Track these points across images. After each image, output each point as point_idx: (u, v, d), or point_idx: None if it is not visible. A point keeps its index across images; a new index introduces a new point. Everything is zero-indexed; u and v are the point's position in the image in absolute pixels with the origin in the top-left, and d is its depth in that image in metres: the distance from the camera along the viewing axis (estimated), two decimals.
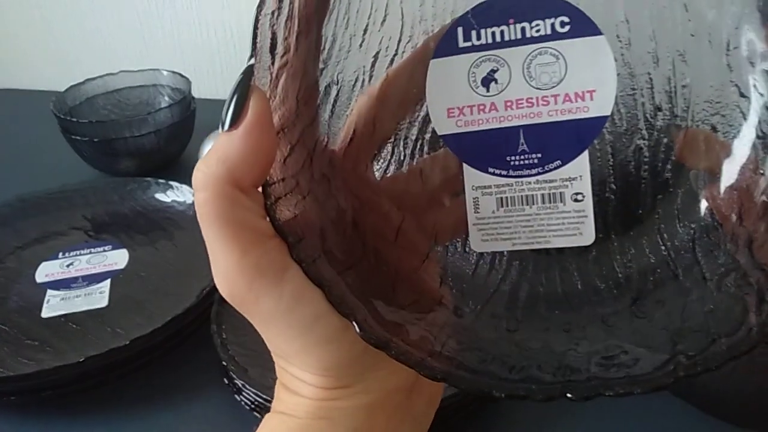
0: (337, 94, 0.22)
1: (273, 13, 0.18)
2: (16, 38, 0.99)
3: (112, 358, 0.40)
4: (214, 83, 0.94)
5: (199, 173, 0.17)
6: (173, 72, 0.75)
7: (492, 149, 0.21)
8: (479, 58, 0.21)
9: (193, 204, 0.58)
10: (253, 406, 0.38)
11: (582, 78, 0.20)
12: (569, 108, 0.20)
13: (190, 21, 0.91)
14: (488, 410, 0.39)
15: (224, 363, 0.39)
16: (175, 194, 0.59)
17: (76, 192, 0.60)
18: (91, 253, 0.54)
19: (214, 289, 0.46)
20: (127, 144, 0.65)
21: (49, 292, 0.49)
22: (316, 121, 0.21)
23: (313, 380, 0.19)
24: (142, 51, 0.95)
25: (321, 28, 0.21)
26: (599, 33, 0.19)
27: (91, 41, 0.96)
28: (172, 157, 0.71)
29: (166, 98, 0.74)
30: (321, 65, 0.21)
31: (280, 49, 0.19)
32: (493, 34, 0.20)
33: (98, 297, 0.48)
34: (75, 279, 0.50)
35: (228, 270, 0.18)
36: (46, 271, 0.52)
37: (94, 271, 0.51)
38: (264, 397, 0.36)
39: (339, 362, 0.19)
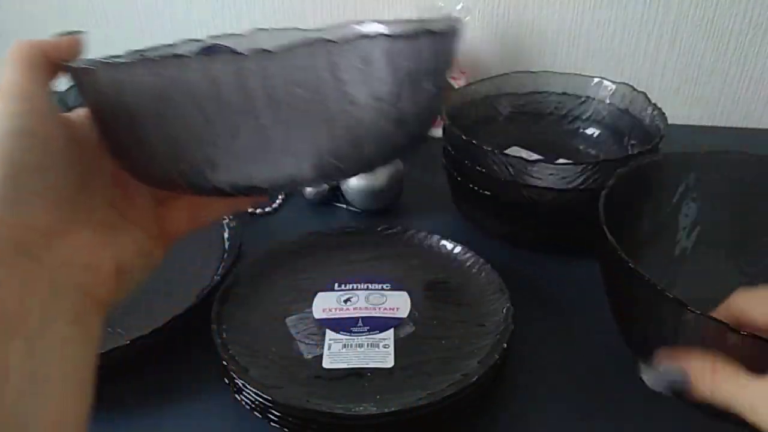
0: None
1: None
2: (15, 38, 0.99)
3: (112, 358, 0.40)
4: None
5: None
6: None
7: (343, 324, 0.44)
8: (344, 292, 0.47)
9: None
10: (253, 405, 0.38)
11: (393, 302, 0.45)
12: (387, 313, 0.45)
13: (190, 21, 0.91)
14: (487, 411, 0.39)
15: (224, 363, 0.39)
16: None
17: None
18: None
19: (215, 289, 0.46)
20: None
21: None
22: None
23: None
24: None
25: None
26: (403, 290, 0.47)
27: (91, 41, 0.96)
28: None
29: None
30: None
31: None
32: (353, 285, 0.48)
33: None
34: None
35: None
36: None
37: None
38: (265, 396, 0.37)
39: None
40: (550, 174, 0.49)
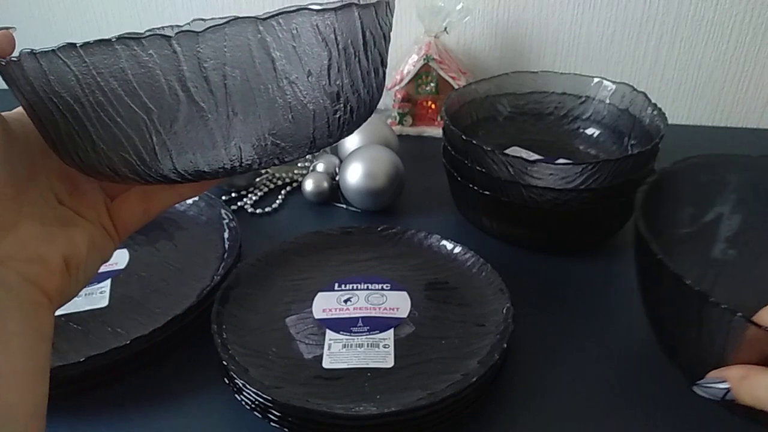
0: None
1: None
2: (15, 38, 0.99)
3: (112, 357, 0.40)
4: None
5: None
6: None
7: (343, 324, 0.43)
8: (344, 292, 0.47)
9: (193, 204, 0.58)
10: (253, 405, 0.38)
11: (393, 302, 0.45)
12: (387, 313, 0.44)
13: (191, 20, 0.91)
14: (487, 411, 0.40)
15: (224, 363, 0.39)
16: None
17: None
18: None
19: (215, 289, 0.46)
20: None
21: None
22: None
23: None
24: None
25: None
26: (403, 290, 0.47)
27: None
28: None
29: None
30: None
31: None
32: (353, 285, 0.47)
33: (99, 297, 0.48)
34: None
35: None
36: None
37: None
38: (265, 396, 0.37)
39: None
40: (550, 174, 0.49)
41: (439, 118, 0.80)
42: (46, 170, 0.27)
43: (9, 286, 0.23)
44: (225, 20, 0.21)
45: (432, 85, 0.78)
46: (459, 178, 0.55)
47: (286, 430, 0.37)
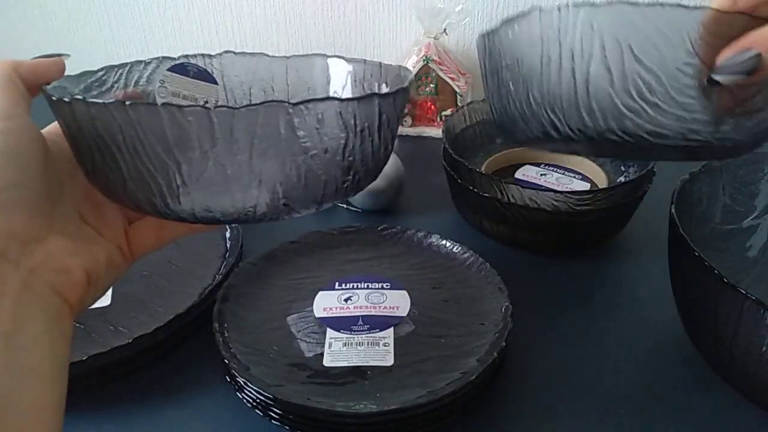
0: None
1: None
2: (16, 37, 0.99)
3: (114, 356, 0.40)
4: None
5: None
6: None
7: (344, 322, 0.44)
8: (344, 291, 0.47)
9: None
10: (254, 403, 0.38)
11: (393, 301, 0.46)
12: (387, 312, 0.45)
13: (192, 21, 0.91)
14: (487, 409, 0.40)
15: (226, 361, 0.39)
16: None
17: None
18: None
19: (216, 287, 0.46)
20: None
21: None
22: None
23: None
24: (143, 51, 0.96)
25: None
26: (403, 288, 0.47)
27: (92, 40, 0.96)
28: None
29: None
30: None
31: None
32: (354, 284, 0.48)
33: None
34: None
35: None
36: None
37: None
38: (266, 394, 0.37)
39: None
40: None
41: (438, 119, 0.81)
42: (72, 189, 0.29)
43: (38, 293, 0.24)
44: (260, 102, 0.24)
45: (431, 86, 0.78)
46: (459, 180, 0.55)
47: (287, 428, 0.37)
